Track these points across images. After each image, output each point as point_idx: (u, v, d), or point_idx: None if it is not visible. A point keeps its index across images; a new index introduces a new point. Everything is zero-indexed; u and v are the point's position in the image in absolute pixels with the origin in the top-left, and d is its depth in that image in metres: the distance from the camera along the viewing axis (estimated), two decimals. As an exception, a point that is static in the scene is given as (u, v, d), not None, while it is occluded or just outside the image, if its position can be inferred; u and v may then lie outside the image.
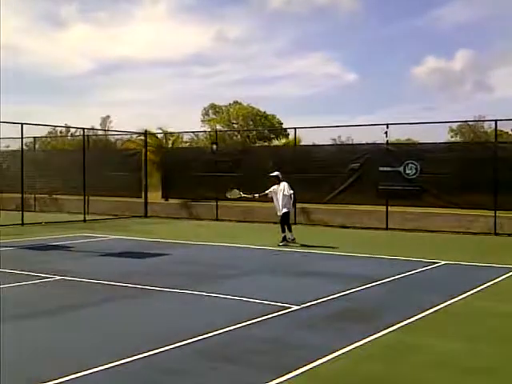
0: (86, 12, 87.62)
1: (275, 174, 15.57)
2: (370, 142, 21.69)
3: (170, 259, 13.21)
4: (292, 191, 15.29)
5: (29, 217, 21.44)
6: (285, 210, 15.27)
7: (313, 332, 7.10)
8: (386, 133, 19.94)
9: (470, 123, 47.18)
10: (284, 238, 15.19)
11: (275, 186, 15.42)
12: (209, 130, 53.34)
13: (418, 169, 19.40)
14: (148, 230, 19.74)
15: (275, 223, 16.21)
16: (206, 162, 23.68)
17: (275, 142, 39.74)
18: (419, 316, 7.80)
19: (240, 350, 6.39)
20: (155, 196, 26.17)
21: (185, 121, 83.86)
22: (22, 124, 21.33)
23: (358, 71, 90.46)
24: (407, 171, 19.57)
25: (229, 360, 6.04)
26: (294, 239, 15.29)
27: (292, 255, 13.91)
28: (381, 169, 19.95)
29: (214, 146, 24.38)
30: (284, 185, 15.33)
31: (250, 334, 6.97)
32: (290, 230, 15.36)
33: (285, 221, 15.30)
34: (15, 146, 25.01)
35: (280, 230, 15.35)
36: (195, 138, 47.23)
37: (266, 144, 42.27)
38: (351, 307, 8.45)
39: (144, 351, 6.12)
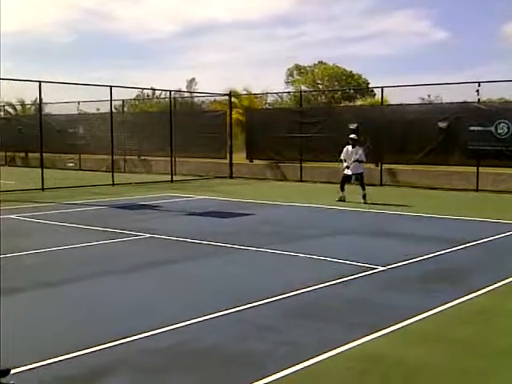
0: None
1: (353, 136, 16.37)
2: (459, 101, 20.93)
3: (253, 219, 13.32)
4: (365, 160, 16.41)
5: (119, 177, 22.13)
6: (359, 171, 16.19)
7: (399, 293, 7.02)
8: (478, 91, 19.23)
9: None
10: (364, 196, 15.86)
11: (349, 147, 16.27)
12: (293, 90, 52.95)
13: (511, 128, 18.63)
14: (232, 190, 19.95)
15: (357, 185, 16.16)
16: (291, 122, 23.57)
17: (361, 102, 38.95)
18: (510, 280, 7.55)
19: (328, 308, 6.41)
20: (240, 157, 26.38)
21: (269, 82, 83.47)
22: (110, 87, 21.86)
23: (448, 29, 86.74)
24: (499, 131, 18.82)
25: (317, 317, 6.07)
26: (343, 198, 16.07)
27: (377, 216, 13.73)
28: (471, 128, 19.29)
29: None
30: (359, 150, 16.21)
31: (337, 293, 6.97)
32: (346, 189, 16.21)
33: (348, 181, 16.23)
34: (105, 108, 25.76)
35: (361, 188, 16.02)
36: (279, 100, 47.09)
37: (352, 104, 41.50)
38: (439, 269, 8.28)
39: (232, 307, 6.24)
